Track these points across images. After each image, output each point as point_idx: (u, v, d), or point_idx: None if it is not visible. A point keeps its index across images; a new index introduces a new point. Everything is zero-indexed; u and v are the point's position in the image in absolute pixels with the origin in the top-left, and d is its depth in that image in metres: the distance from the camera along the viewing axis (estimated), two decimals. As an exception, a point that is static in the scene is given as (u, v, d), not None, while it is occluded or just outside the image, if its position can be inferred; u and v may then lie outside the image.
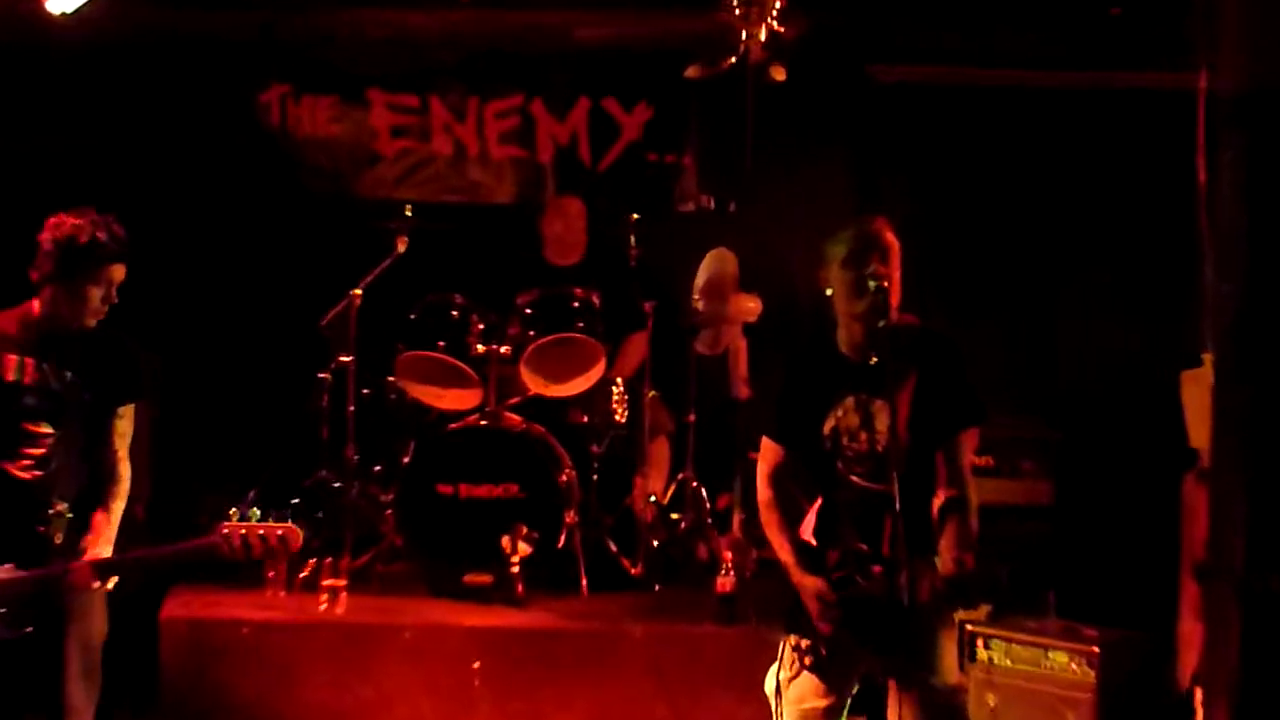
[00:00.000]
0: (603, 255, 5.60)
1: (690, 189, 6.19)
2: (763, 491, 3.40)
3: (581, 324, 5.13)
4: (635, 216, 5.41)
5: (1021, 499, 4.91)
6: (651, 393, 5.35)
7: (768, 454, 3.42)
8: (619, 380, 5.36)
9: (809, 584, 3.21)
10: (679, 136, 6.18)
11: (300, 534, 3.31)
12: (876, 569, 3.13)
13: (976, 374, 3.28)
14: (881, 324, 3.14)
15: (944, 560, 3.10)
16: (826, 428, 3.30)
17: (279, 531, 3.27)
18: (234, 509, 3.34)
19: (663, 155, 6.20)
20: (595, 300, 5.20)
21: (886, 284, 3.16)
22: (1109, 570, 4.87)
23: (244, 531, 3.25)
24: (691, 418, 5.42)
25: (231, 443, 5.68)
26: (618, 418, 5.34)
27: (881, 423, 3.21)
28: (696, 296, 5.65)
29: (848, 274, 3.21)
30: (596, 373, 5.18)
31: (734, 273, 5.63)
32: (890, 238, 3.24)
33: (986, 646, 4.29)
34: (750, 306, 5.59)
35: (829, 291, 3.28)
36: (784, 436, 3.39)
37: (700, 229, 6.00)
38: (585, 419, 5.33)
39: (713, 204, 6.11)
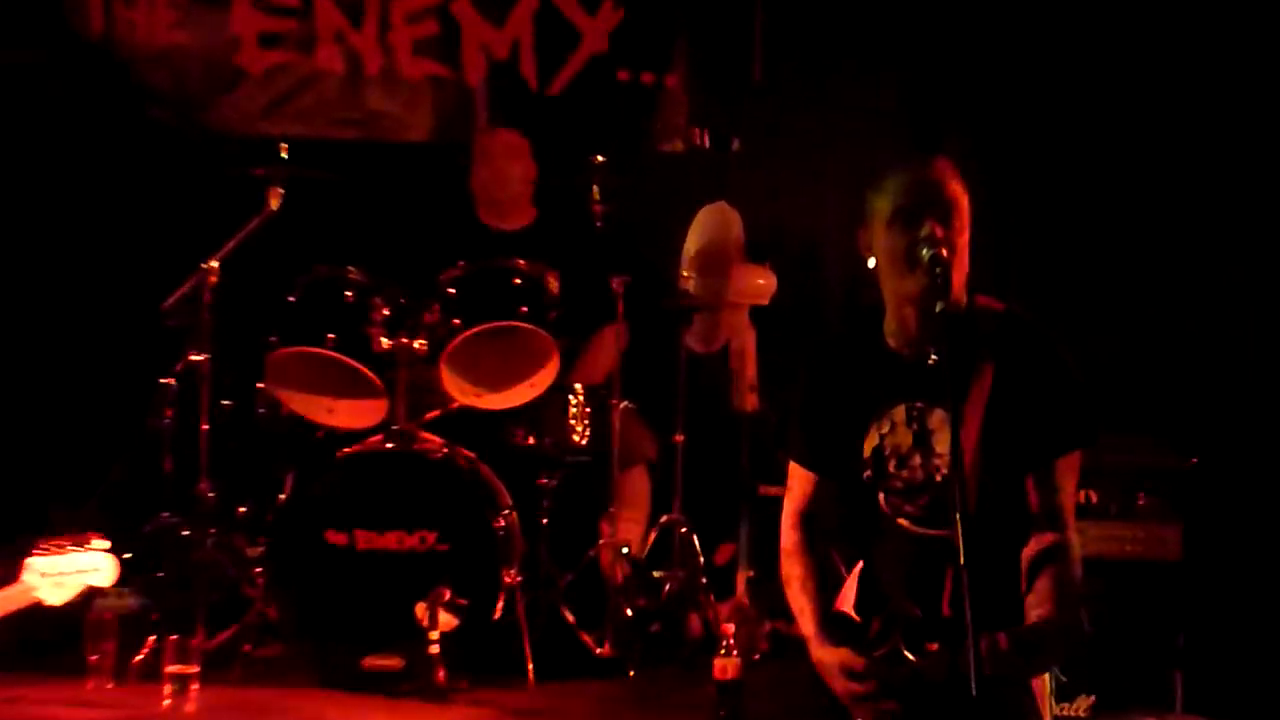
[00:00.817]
0: (557, 214, 5.61)
1: (677, 121, 6.17)
2: (787, 536, 3.40)
3: (527, 309, 5.11)
4: (601, 159, 5.37)
5: (1138, 550, 4.86)
6: (624, 404, 5.34)
7: (797, 485, 3.42)
8: (579, 388, 5.34)
9: (829, 658, 3.17)
10: (661, 47, 6.20)
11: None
12: (933, 645, 3.05)
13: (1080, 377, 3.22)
14: (941, 307, 3.07)
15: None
16: (866, 448, 3.28)
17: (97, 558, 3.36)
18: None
19: (638, 73, 6.22)
20: (547, 277, 5.19)
21: (947, 252, 3.11)
22: (1255, 649, 4.87)
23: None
24: (680, 439, 5.42)
25: (33, 474, 5.72)
26: (577, 439, 5.31)
27: (942, 443, 3.18)
28: (687, 271, 5.74)
29: (895, 238, 3.17)
30: (547, 377, 5.15)
31: (738, 238, 5.77)
32: (955, 188, 3.19)
33: (1091, 752, 4.31)
34: (760, 284, 5.71)
35: (871, 262, 3.24)
36: (818, 459, 3.38)
37: (691, 176, 6.02)
38: (532, 441, 5.31)
39: (709, 141, 6.07)
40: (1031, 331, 3.23)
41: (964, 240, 3.18)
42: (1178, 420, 5.29)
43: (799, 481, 3.41)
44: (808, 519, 3.39)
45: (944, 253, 3.10)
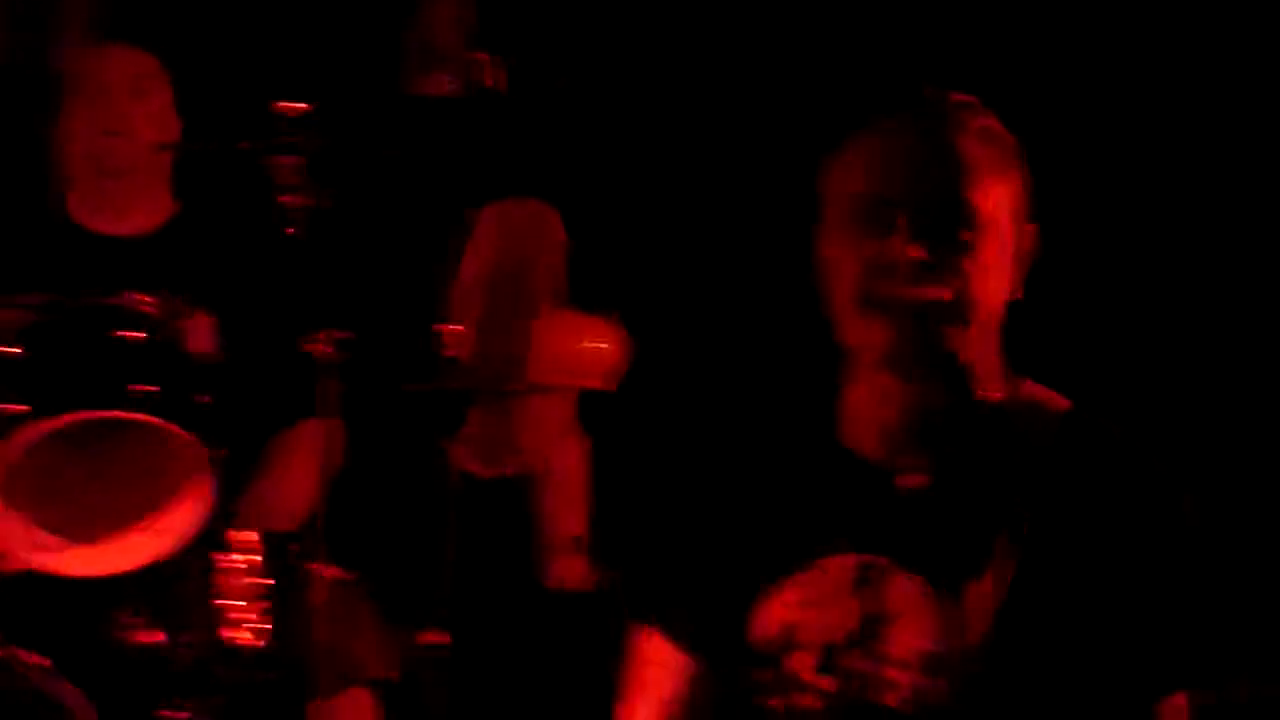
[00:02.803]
0: (213, 208, 5.82)
1: (448, 39, 6.41)
2: None
3: (155, 388, 5.12)
4: (301, 109, 5.42)
5: None
6: (336, 573, 5.35)
7: (654, 680, 3.47)
8: (250, 540, 5.36)
9: None
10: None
11: None
12: None
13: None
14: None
15: None
16: (770, 622, 3.32)
17: None
18: None
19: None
20: (191, 325, 5.19)
21: (951, 290, 3.18)
22: None
23: None
24: (441, 640, 5.63)
25: None
26: (245, 637, 5.28)
27: (905, 637, 3.23)
28: (460, 324, 5.72)
29: (857, 245, 3.24)
30: (189, 518, 5.16)
31: (555, 264, 5.81)
32: (974, 158, 3.24)
33: None
34: (598, 351, 5.67)
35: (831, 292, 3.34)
36: (697, 632, 3.44)
37: (473, 145, 6.17)
38: (159, 639, 5.27)
39: (504, 79, 6.23)
40: (1120, 456, 3.32)
41: (988, 261, 3.24)
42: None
43: (658, 674, 3.48)
44: None
45: (945, 296, 3.19)
